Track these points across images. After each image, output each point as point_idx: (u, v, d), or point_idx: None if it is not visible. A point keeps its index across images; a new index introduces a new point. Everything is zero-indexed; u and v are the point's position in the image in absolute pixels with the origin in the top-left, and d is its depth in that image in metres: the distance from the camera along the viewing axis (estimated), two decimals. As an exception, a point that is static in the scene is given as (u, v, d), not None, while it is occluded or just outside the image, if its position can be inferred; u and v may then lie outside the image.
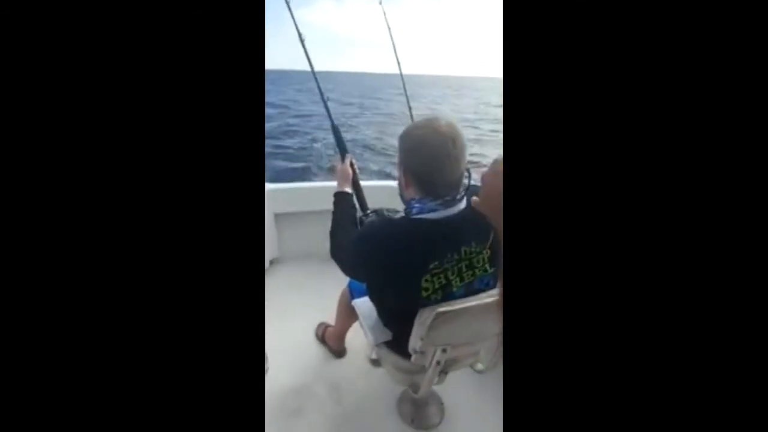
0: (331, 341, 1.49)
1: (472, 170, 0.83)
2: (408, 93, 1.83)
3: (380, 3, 1.71)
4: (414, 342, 0.88)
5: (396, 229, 0.83)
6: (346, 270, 0.94)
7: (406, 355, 0.96)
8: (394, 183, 2.19)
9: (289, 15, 1.27)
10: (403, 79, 1.87)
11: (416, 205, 0.83)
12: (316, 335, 1.58)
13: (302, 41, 1.21)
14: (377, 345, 1.03)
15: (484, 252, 0.86)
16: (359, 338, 1.40)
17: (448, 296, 0.84)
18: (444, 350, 0.88)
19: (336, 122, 1.23)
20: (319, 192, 2.12)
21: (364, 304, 1.10)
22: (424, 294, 0.82)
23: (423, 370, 0.97)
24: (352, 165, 1.13)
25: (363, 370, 1.42)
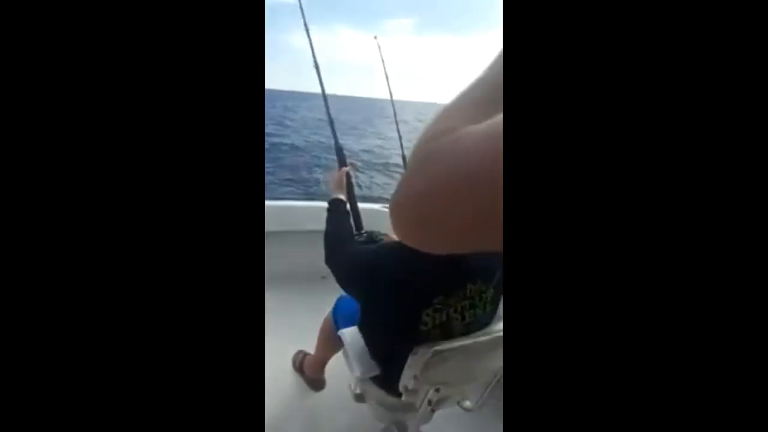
0: (310, 371, 1.41)
1: None
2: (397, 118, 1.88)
3: (375, 38, 1.80)
4: (406, 380, 0.84)
5: (403, 254, 0.79)
6: (342, 282, 0.91)
7: (394, 391, 0.92)
8: (377, 206, 2.19)
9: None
10: (393, 104, 1.90)
11: None
12: (293, 364, 1.50)
13: (317, 66, 1.25)
14: (362, 380, 0.98)
15: (488, 291, 0.84)
16: (340, 369, 1.34)
17: (447, 335, 0.82)
18: (437, 390, 0.84)
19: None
20: (300, 212, 2.08)
21: (351, 335, 1.05)
22: (423, 328, 0.80)
23: (410, 408, 0.92)
24: (348, 176, 1.13)
25: (343, 404, 1.35)
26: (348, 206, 1.08)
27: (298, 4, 1.29)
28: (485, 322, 0.87)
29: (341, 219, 1.01)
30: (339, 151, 1.22)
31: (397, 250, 0.81)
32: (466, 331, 0.84)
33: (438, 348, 0.77)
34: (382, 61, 1.82)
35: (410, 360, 0.82)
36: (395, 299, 0.79)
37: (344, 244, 0.94)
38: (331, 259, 0.94)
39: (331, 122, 1.29)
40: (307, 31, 1.26)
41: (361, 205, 1.88)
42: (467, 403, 1.17)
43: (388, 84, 1.86)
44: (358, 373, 0.94)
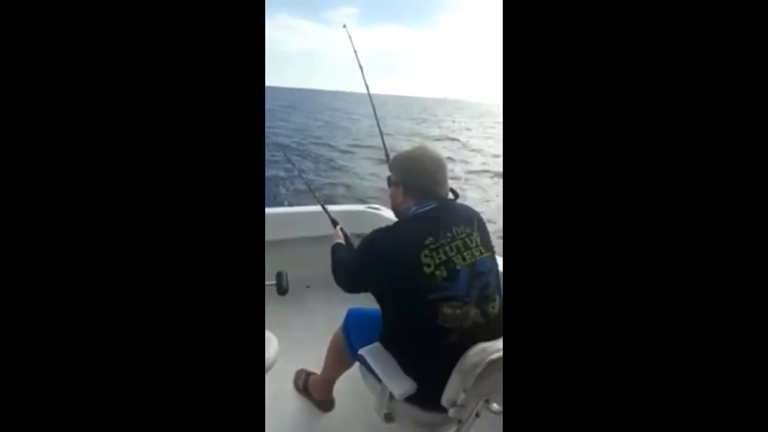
0: (317, 391, 1.30)
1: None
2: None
3: (344, 26, 1.74)
4: (453, 393, 0.77)
5: (397, 225, 0.98)
6: (350, 284, 1.04)
7: (430, 406, 0.86)
8: (361, 207, 2.11)
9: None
10: (371, 99, 1.82)
11: (413, 208, 0.97)
12: (296, 385, 1.38)
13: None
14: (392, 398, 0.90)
15: (474, 234, 0.94)
16: (348, 384, 1.25)
17: (453, 274, 0.86)
18: (487, 400, 0.79)
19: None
20: (283, 219, 1.94)
21: (375, 352, 0.96)
22: (427, 270, 0.84)
23: (451, 422, 0.86)
24: (342, 230, 1.31)
25: (357, 423, 1.26)
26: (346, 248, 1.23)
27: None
28: (490, 267, 0.93)
29: (342, 251, 1.18)
30: (330, 216, 1.42)
31: (382, 229, 0.97)
32: (472, 275, 0.88)
33: (493, 357, 0.71)
34: (355, 52, 1.74)
35: (457, 370, 0.76)
36: (394, 254, 0.88)
37: (347, 260, 1.09)
38: (339, 275, 1.08)
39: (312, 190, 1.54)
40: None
41: (345, 207, 1.79)
42: (495, 406, 1.13)
43: (363, 75, 1.77)
44: (395, 393, 0.86)
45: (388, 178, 1.06)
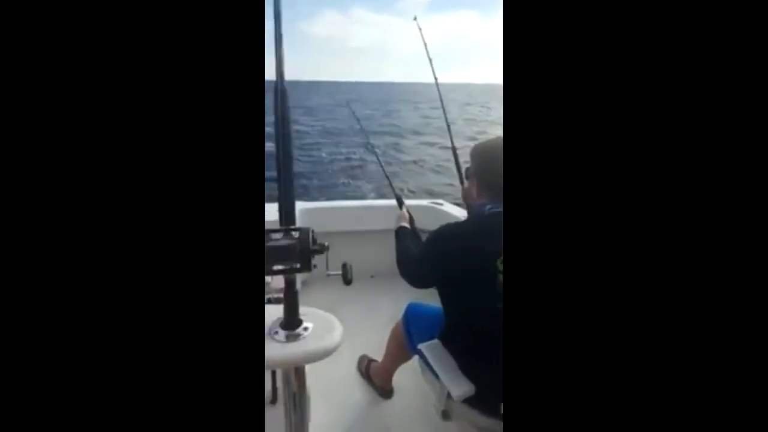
0: (378, 378, 1.36)
1: None
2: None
3: (415, 19, 1.72)
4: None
5: (469, 221, 0.95)
6: (417, 279, 1.00)
7: (490, 411, 0.85)
8: (424, 202, 2.11)
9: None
10: (438, 88, 1.79)
11: (488, 205, 0.89)
12: (359, 370, 1.46)
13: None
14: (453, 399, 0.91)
15: None
16: (407, 375, 1.29)
17: None
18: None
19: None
20: (349, 212, 2.02)
21: (433, 349, 0.98)
22: (501, 279, 0.80)
23: (509, 428, 0.85)
24: (408, 212, 1.26)
25: (414, 413, 1.30)
26: (411, 233, 1.19)
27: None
28: None
29: (407, 238, 1.13)
30: (397, 196, 1.39)
31: (456, 224, 0.94)
32: None
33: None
34: (425, 44, 1.73)
35: None
36: (470, 258, 0.83)
37: (412, 248, 1.05)
38: (404, 266, 1.03)
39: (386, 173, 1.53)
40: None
41: (409, 202, 1.83)
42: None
43: (432, 67, 1.75)
44: (453, 393, 0.87)
45: (467, 169, 1.00)
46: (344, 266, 1.26)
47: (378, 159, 1.72)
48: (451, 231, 0.91)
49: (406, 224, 1.19)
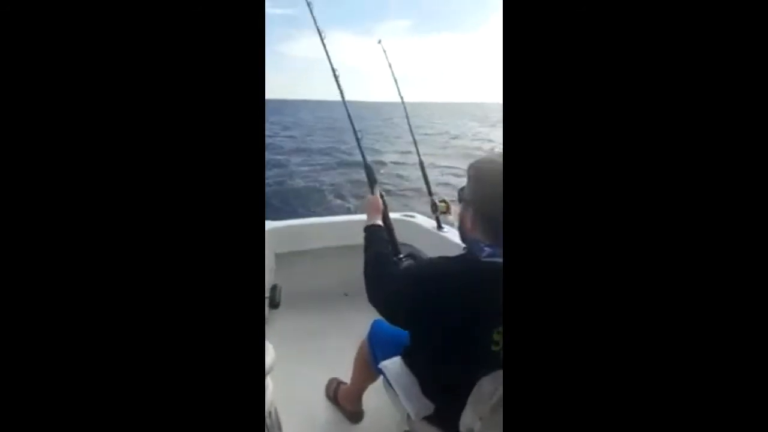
0: (346, 402, 1.31)
1: None
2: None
3: (379, 42, 1.74)
4: (470, 420, 0.73)
5: (464, 265, 0.74)
6: (389, 315, 0.82)
7: (450, 429, 0.82)
8: (396, 215, 2.10)
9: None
10: (405, 105, 1.84)
11: (486, 248, 0.73)
12: (327, 394, 1.40)
13: (336, 77, 1.16)
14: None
15: None
16: (378, 397, 1.24)
17: None
18: (506, 430, 0.74)
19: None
20: (320, 229, 1.99)
21: (395, 367, 0.95)
22: (495, 349, 0.72)
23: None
24: (382, 197, 1.04)
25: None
26: (385, 231, 0.99)
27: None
28: None
29: (380, 245, 0.92)
30: (368, 169, 1.12)
31: (455, 263, 0.75)
32: None
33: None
34: (389, 65, 1.77)
35: (474, 395, 0.72)
36: (461, 321, 0.71)
37: (388, 268, 0.86)
38: (374, 290, 0.84)
39: (358, 138, 1.21)
40: (323, 40, 1.19)
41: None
42: None
43: (397, 86, 1.80)
44: (411, 413, 0.84)
45: (460, 190, 0.81)
46: (273, 288, 1.08)
47: (355, 131, 1.28)
48: (440, 273, 0.74)
49: (379, 218, 0.99)
